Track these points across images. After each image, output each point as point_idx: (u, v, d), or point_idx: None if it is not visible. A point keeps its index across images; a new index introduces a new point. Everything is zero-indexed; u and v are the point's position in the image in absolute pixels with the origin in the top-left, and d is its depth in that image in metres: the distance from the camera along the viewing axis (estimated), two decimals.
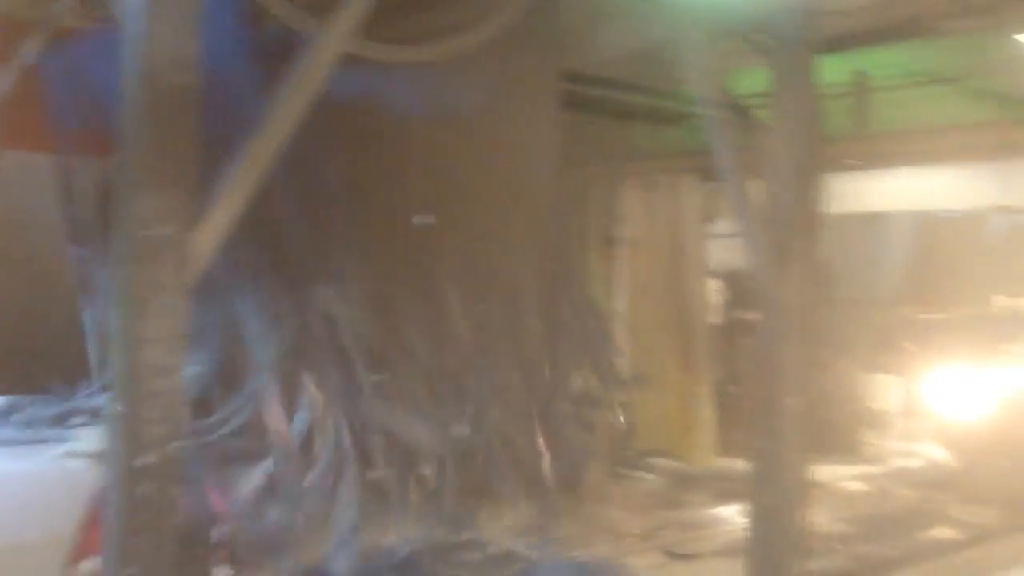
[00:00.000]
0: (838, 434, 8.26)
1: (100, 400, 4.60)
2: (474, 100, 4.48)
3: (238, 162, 2.90)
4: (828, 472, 7.14)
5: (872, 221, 10.10)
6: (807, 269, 4.19)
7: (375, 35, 4.14)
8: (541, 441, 5.16)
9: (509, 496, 5.02)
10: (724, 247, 10.98)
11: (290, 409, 4.44)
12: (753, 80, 4.87)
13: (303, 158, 3.66)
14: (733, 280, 12.11)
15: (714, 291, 11.18)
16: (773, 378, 4.25)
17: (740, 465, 7.90)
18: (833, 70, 5.60)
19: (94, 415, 4.70)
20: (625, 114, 7.83)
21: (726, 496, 7.06)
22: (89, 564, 3.76)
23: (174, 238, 2.73)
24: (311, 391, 4.39)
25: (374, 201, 4.36)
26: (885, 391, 9.54)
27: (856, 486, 7.80)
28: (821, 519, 5.26)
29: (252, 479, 4.33)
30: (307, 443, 4.52)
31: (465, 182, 4.57)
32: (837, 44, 5.60)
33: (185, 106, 2.71)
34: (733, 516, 6.41)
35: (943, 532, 6.40)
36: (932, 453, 8.69)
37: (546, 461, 5.34)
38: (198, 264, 2.81)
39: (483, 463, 4.93)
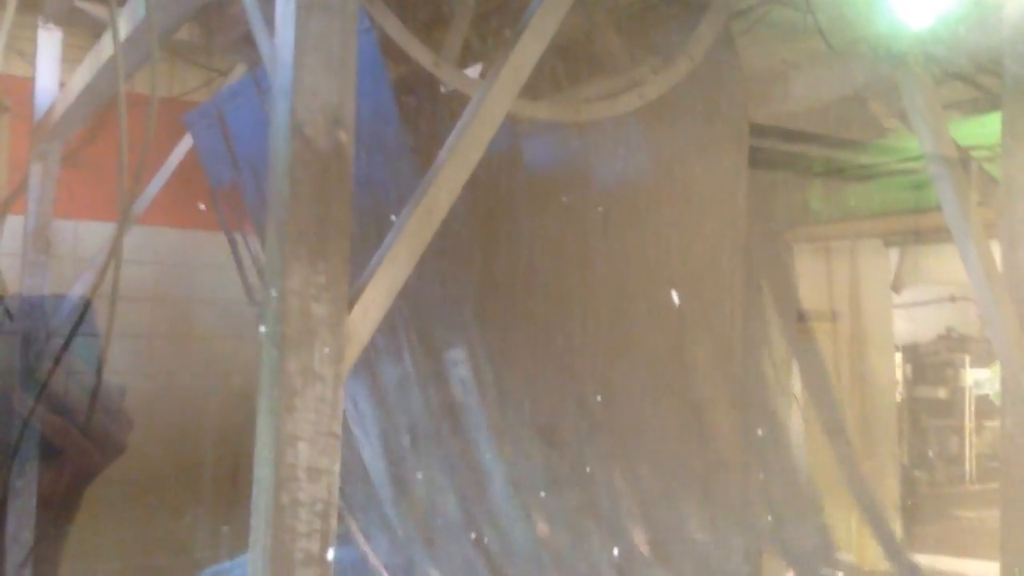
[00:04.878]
0: None
1: None
2: (652, 159, 4.02)
3: (397, 232, 2.52)
4: None
5: None
6: None
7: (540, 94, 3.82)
8: None
9: None
10: (905, 318, 10.12)
11: None
12: (977, 129, 4.28)
13: (457, 227, 3.27)
14: (916, 354, 11.22)
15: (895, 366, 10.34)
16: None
17: (932, 562, 7.01)
18: None
19: None
20: (801, 170, 7.24)
21: None
22: None
23: (330, 319, 2.35)
24: None
25: (536, 273, 3.90)
26: None
27: None
28: None
29: None
30: None
31: (643, 251, 4.07)
32: None
33: (340, 167, 2.35)
34: None
35: None
36: None
37: None
38: (355, 349, 2.42)
39: None
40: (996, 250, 3.73)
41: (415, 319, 3.49)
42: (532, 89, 4.58)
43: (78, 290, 5.91)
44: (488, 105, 2.70)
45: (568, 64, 4.51)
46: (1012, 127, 3.63)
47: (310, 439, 2.32)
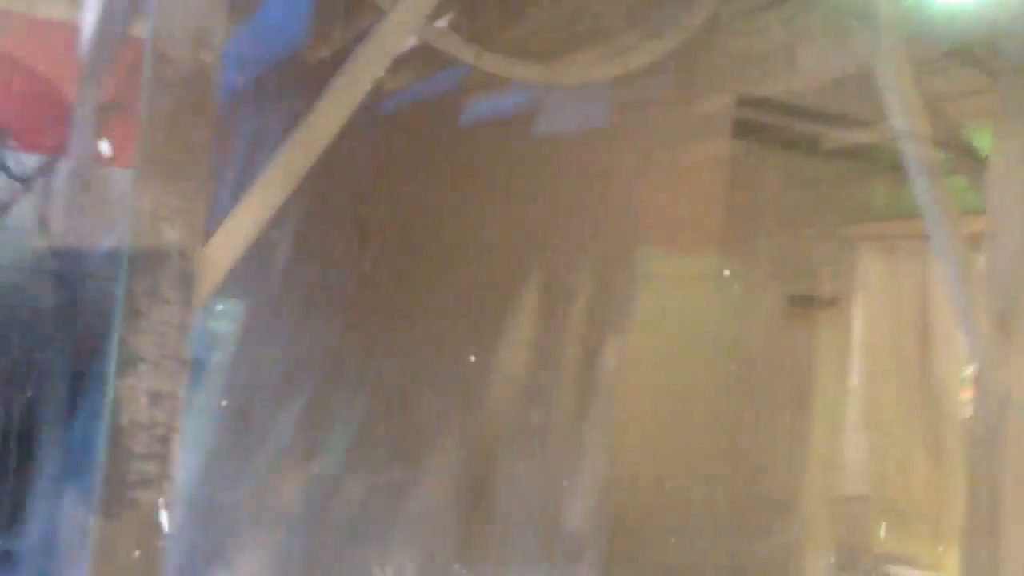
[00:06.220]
0: None
1: None
2: (618, 125, 3.83)
3: (271, 162, 2.48)
4: None
5: None
6: None
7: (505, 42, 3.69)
8: None
9: None
10: None
11: None
12: None
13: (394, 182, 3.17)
14: None
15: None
16: (993, 479, 3.31)
17: None
18: None
19: None
20: (867, 164, 6.89)
21: None
22: None
23: (180, 243, 2.32)
24: None
25: (479, 247, 3.74)
26: None
27: None
28: None
29: None
30: None
31: (600, 221, 3.88)
32: None
33: (202, 89, 2.32)
34: None
35: None
36: None
37: None
38: (210, 278, 2.39)
39: None
40: None
41: None
42: (524, 48, 4.47)
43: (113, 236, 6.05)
44: (381, 37, 2.61)
45: (567, 28, 4.38)
46: (1005, 106, 3.34)
47: (153, 362, 2.31)
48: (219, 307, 3.36)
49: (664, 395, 6.53)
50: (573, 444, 3.93)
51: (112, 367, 2.35)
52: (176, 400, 2.34)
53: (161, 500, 2.31)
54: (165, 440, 2.33)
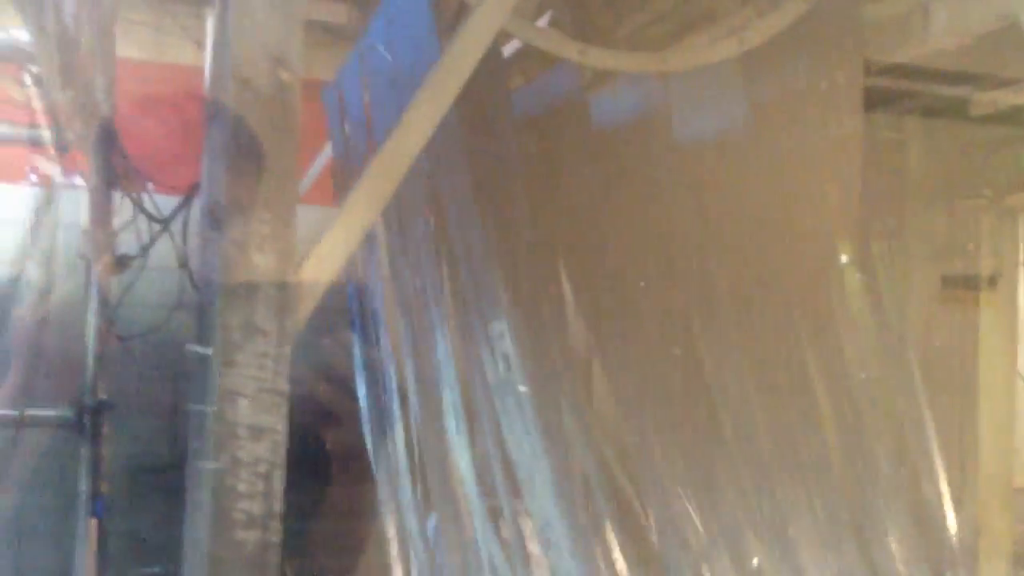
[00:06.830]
0: None
1: None
2: (738, 111, 3.57)
3: (360, 179, 2.36)
4: None
5: None
6: None
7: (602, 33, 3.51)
8: None
9: None
10: None
11: None
12: None
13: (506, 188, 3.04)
14: None
15: None
16: None
17: None
18: None
19: None
20: (1016, 122, 6.39)
21: None
22: None
23: (273, 272, 2.23)
24: None
25: (592, 248, 3.53)
26: None
27: None
28: None
29: None
30: None
31: (726, 217, 3.61)
32: None
33: (284, 110, 2.23)
34: None
35: None
36: None
37: None
38: (305, 304, 2.29)
39: None
40: None
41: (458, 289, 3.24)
42: (635, 42, 4.27)
43: None
44: (466, 36, 2.46)
45: (679, 16, 4.17)
46: None
47: (252, 396, 2.22)
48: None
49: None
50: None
51: (209, 403, 2.28)
52: (277, 434, 2.26)
53: (269, 540, 2.23)
54: (268, 477, 2.24)
